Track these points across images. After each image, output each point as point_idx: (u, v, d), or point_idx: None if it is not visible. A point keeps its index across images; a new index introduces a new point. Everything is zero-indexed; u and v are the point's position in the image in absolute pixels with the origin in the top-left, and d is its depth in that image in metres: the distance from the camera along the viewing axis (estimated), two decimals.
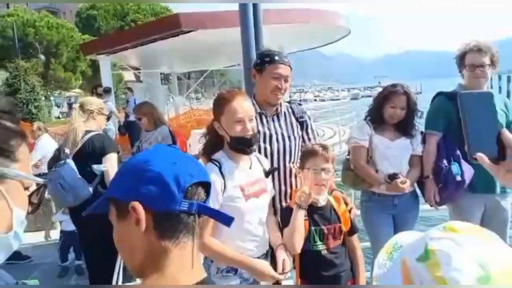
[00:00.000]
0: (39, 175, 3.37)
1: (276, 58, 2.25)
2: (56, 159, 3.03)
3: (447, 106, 2.78)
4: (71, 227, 3.81)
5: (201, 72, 17.39)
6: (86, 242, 3.25)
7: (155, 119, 4.31)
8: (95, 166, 2.99)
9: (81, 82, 29.31)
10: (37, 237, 4.75)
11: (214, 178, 1.80)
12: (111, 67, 12.54)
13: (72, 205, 2.99)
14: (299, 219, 2.00)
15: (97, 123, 3.21)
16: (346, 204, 2.26)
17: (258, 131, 2.09)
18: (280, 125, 2.33)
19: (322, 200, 2.16)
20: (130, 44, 9.57)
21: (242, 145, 1.89)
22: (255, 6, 3.19)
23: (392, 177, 2.73)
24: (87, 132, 3.07)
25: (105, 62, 11.36)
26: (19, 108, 0.84)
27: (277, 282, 1.97)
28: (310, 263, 2.10)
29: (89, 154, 3.00)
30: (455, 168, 2.69)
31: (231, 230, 1.83)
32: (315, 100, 53.10)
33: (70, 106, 29.35)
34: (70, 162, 2.95)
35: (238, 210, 1.85)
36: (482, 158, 0.79)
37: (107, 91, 9.68)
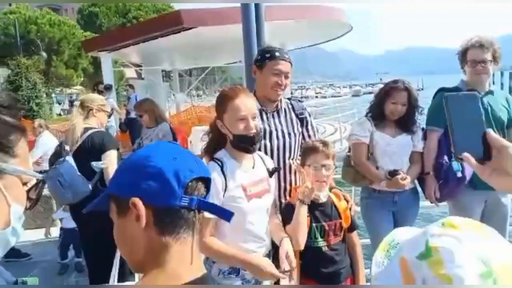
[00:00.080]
0: (40, 173, 3.37)
1: (277, 54, 2.24)
2: (57, 156, 3.04)
3: None
4: (71, 224, 3.81)
5: (202, 69, 17.37)
6: (86, 240, 3.25)
7: (156, 116, 4.30)
8: (94, 164, 2.97)
9: (82, 79, 29.35)
10: (37, 235, 4.76)
11: (216, 177, 1.77)
12: (113, 64, 12.55)
13: (71, 202, 2.99)
14: (303, 214, 1.99)
15: (98, 120, 3.20)
16: (347, 201, 2.26)
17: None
18: (280, 122, 2.32)
19: (323, 196, 2.16)
20: (131, 41, 9.57)
21: (245, 143, 1.85)
22: (257, 2, 3.19)
23: (393, 173, 2.73)
24: (88, 129, 3.06)
25: (106, 59, 11.37)
26: (21, 105, 0.84)
27: (278, 281, 1.96)
28: (311, 260, 2.10)
29: (88, 151, 2.99)
30: (455, 164, 2.69)
31: (233, 231, 1.82)
32: (316, 96, 52.99)
33: (71, 103, 29.31)
34: (70, 159, 2.94)
35: (240, 210, 1.80)
36: (468, 158, 0.80)
37: (108, 88, 9.69)
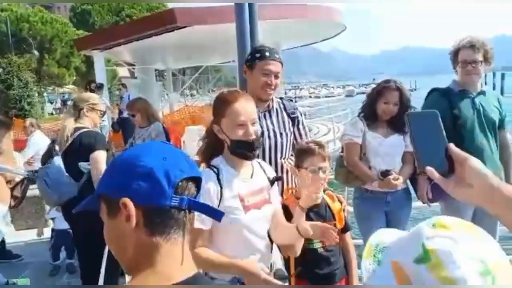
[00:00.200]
0: (31, 173, 3.35)
1: (267, 54, 2.24)
2: (49, 155, 3.01)
3: (440, 102, 2.79)
4: (63, 225, 3.78)
5: (196, 68, 17.33)
6: (77, 239, 3.24)
7: (148, 115, 4.27)
8: (81, 164, 2.93)
9: (75, 78, 29.11)
10: (28, 235, 4.72)
11: (211, 186, 1.67)
12: (105, 63, 12.48)
13: (57, 202, 2.97)
14: (302, 223, 1.92)
15: (91, 120, 3.15)
16: (340, 202, 2.26)
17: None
18: (272, 122, 2.32)
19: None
20: (124, 39, 9.51)
21: (243, 149, 1.73)
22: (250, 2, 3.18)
23: (385, 173, 2.74)
24: (78, 129, 3.02)
25: (99, 58, 11.30)
26: (11, 104, 0.82)
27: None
28: (307, 262, 2.09)
29: (77, 151, 2.95)
30: None
31: (229, 244, 1.72)
32: (310, 96, 53.05)
33: (63, 102, 29.15)
34: (57, 159, 2.92)
35: (236, 222, 1.70)
36: (432, 172, 0.82)
37: (99, 87, 9.60)
